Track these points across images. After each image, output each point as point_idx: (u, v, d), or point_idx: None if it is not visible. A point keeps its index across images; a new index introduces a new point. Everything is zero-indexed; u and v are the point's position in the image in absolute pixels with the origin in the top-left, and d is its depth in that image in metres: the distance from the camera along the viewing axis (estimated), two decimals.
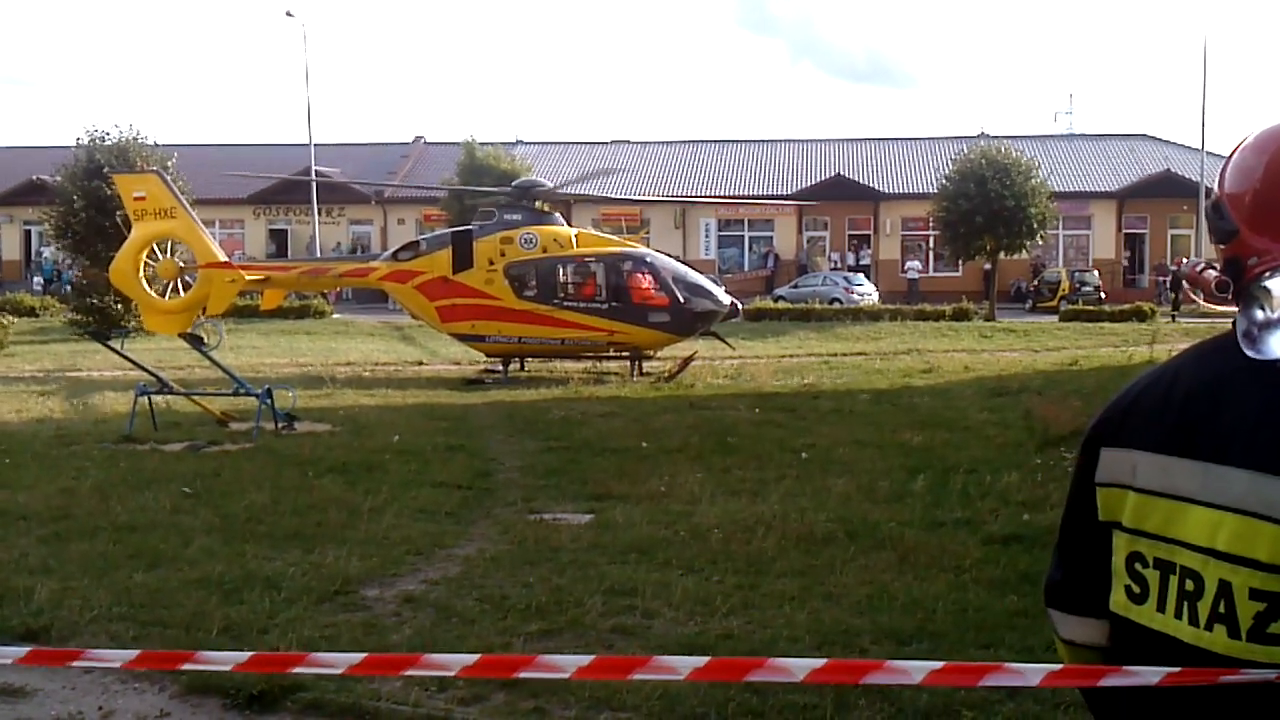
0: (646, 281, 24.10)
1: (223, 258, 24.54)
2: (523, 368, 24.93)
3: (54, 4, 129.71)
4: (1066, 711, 5.62)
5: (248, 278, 24.29)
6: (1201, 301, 2.13)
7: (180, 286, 23.66)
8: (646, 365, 24.54)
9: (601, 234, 28.00)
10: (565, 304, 23.92)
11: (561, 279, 24.26)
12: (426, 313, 24.62)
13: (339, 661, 2.49)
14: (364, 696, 5.98)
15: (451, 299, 23.86)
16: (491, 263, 23.82)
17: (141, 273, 23.09)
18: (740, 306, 26.74)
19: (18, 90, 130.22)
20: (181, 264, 23.68)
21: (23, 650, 2.69)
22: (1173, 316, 39.02)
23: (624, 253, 24.82)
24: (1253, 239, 2.01)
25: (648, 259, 24.88)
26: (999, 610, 7.27)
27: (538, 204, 25.15)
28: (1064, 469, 11.61)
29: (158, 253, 23.47)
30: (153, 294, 23.40)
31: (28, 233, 56.54)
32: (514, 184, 26.67)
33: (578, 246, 24.40)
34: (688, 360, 24.20)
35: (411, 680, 6.19)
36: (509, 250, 23.89)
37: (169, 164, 36.05)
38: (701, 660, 2.30)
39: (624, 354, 24.59)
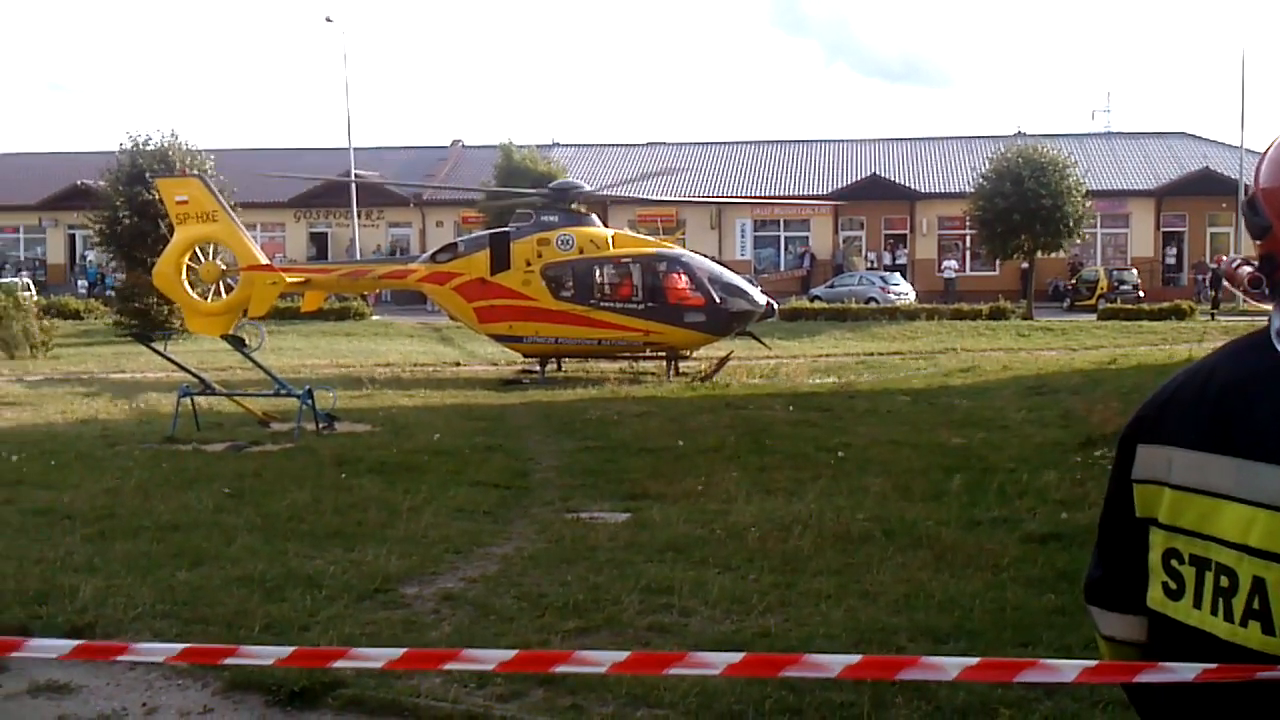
0: (682, 282, 24.15)
1: (264, 260, 24.79)
2: (560, 368, 25.02)
3: (94, 9, 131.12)
4: (1105, 710, 5.60)
5: (289, 280, 24.52)
6: (1241, 298, 2.15)
7: (222, 289, 23.93)
8: (682, 365, 24.58)
9: (638, 235, 28.05)
10: (602, 304, 24.00)
11: (598, 280, 24.34)
12: (464, 314, 24.76)
13: (379, 656, 2.53)
14: (403, 693, 6.03)
15: (489, 300, 24.00)
16: (529, 264, 23.94)
17: (184, 275, 23.37)
18: (776, 306, 26.74)
19: (60, 96, 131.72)
20: (224, 266, 23.94)
21: (68, 645, 2.75)
22: (1212, 314, 38.68)
23: (660, 253, 24.87)
24: None
25: (683, 259, 24.92)
26: (1036, 608, 7.24)
27: (574, 205, 25.23)
28: (1103, 468, 11.53)
29: (200, 256, 23.74)
30: (195, 296, 23.67)
31: (72, 237, 57.22)
32: (551, 185, 26.80)
33: (614, 247, 24.47)
34: (724, 360, 24.22)
35: (451, 677, 6.24)
36: (546, 251, 24.00)
37: (208, 166, 36.43)
38: (737, 656, 2.33)
39: (660, 354, 24.64)
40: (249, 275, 23.49)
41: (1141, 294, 44.80)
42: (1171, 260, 52.23)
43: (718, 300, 23.85)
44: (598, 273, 24.37)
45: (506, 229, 25.09)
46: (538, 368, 24.57)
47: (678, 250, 25.88)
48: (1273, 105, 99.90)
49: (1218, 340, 25.76)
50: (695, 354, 25.25)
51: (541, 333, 23.97)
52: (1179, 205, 51.47)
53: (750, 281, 27.54)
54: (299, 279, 25.02)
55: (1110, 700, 5.70)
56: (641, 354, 24.99)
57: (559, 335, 23.96)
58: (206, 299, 23.96)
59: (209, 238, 23.73)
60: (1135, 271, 47.67)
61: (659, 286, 24.11)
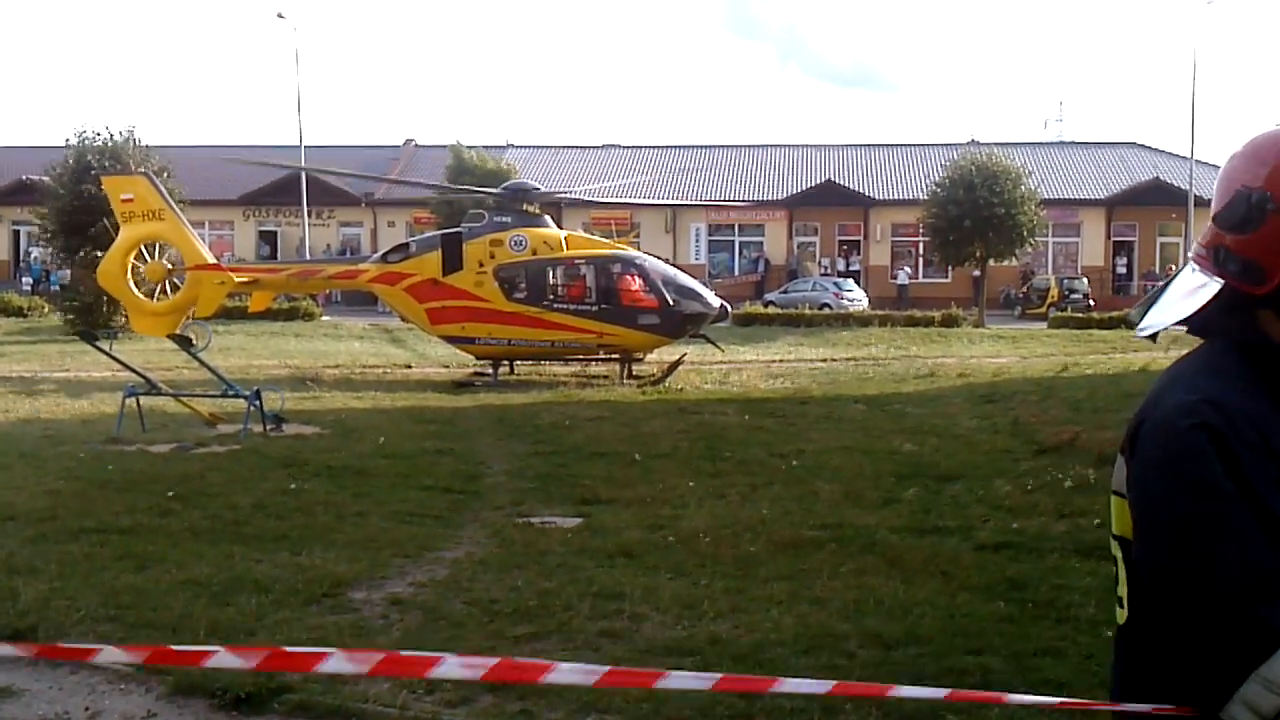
0: (636, 284, 24.13)
1: (211, 259, 24.51)
2: (512, 371, 24.92)
3: (45, 2, 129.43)
4: (1053, 717, 5.63)
5: (236, 279, 24.26)
6: None
7: (169, 288, 23.65)
8: (636, 369, 24.56)
9: (592, 237, 28.00)
10: (555, 306, 23.94)
11: (551, 281, 24.27)
12: (416, 315, 24.60)
13: (363, 660, 2.46)
14: (351, 699, 5.97)
15: (441, 301, 23.85)
16: (481, 265, 23.81)
17: (129, 275, 23.07)
18: (729, 309, 26.78)
19: (5, 89, 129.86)
20: (169, 266, 23.66)
21: (27, 650, 2.66)
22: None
23: (614, 255, 24.83)
24: None
25: (637, 261, 24.92)
26: (986, 616, 7.28)
27: (528, 207, 25.15)
28: (1054, 477, 11.64)
29: (146, 254, 23.45)
30: (140, 296, 23.37)
31: (16, 233, 56.40)
32: (504, 186, 26.68)
33: (567, 249, 24.41)
34: (676, 363, 24.23)
35: (399, 682, 6.19)
36: (499, 252, 23.89)
37: (167, 167, 35.96)
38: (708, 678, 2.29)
39: (614, 356, 24.61)
40: (196, 275, 23.22)
41: (1092, 303, 45.30)
42: (1122, 270, 52.84)
43: (671, 302, 23.86)
44: (551, 274, 24.29)
45: (459, 229, 24.95)
46: (490, 370, 24.46)
47: (632, 252, 25.86)
48: (1222, 117, 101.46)
49: (1180, 350, 26.02)
50: (648, 357, 25.22)
51: (494, 334, 23.86)
52: (1130, 215, 52.09)
53: (704, 284, 27.55)
54: (247, 279, 24.76)
55: (1059, 713, 5.72)
56: (595, 356, 24.93)
57: (512, 337, 23.86)
58: (152, 299, 23.67)
59: (155, 236, 23.44)
60: (1086, 280, 48.22)
61: (613, 288, 24.08)
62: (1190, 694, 1.97)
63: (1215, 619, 1.90)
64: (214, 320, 25.06)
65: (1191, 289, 2.12)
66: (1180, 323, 2.12)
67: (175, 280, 23.69)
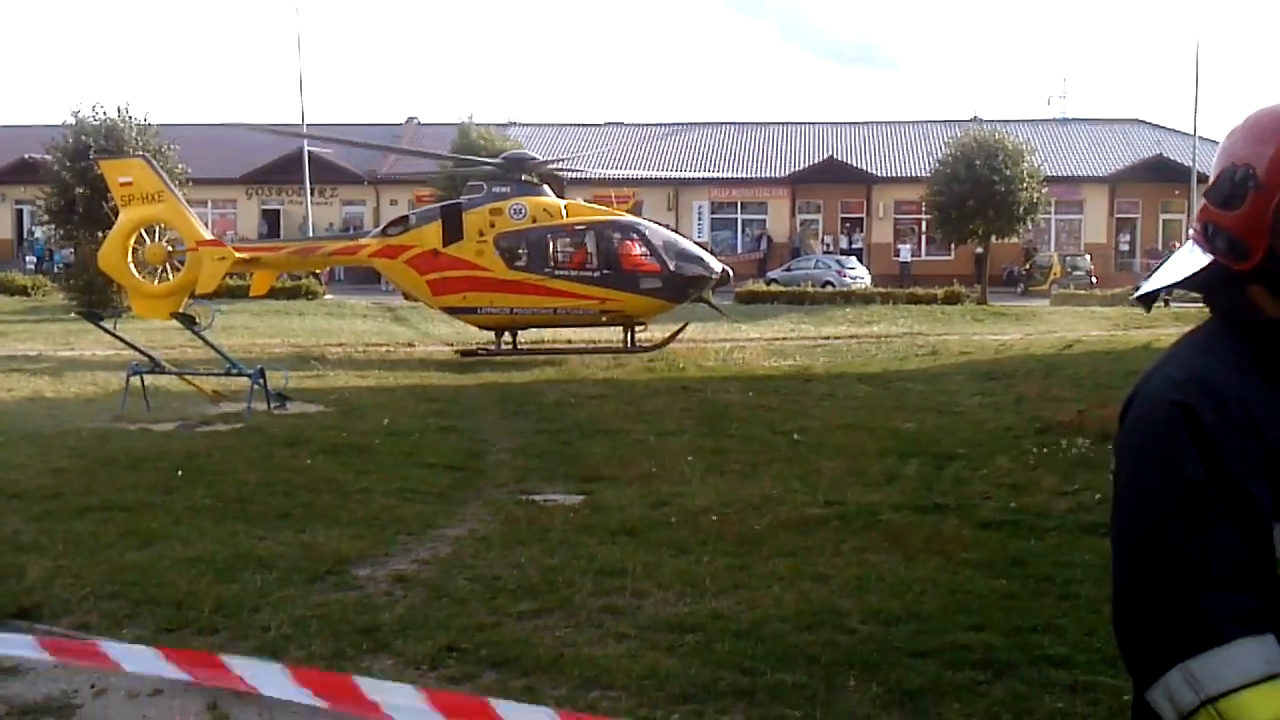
0: (637, 248, 24.01)
1: (209, 236, 24.46)
2: (514, 344, 24.84)
3: None
4: (1053, 693, 5.66)
5: (237, 255, 24.24)
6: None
7: (170, 270, 23.64)
8: (638, 336, 24.54)
9: (591, 205, 27.83)
10: (556, 273, 23.81)
11: (552, 248, 24.11)
12: (418, 287, 24.54)
13: (406, 698, 2.48)
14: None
15: (442, 272, 23.76)
16: (481, 234, 23.70)
17: (130, 258, 23.06)
18: (731, 273, 26.73)
19: (8, 67, 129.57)
20: (170, 248, 23.66)
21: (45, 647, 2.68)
22: (1166, 301, 39.03)
23: (613, 220, 24.71)
24: None
25: (638, 226, 24.81)
26: (988, 592, 7.31)
27: (527, 177, 25.01)
28: (1056, 454, 11.67)
29: (146, 237, 23.44)
30: (141, 279, 23.36)
31: (19, 212, 56.35)
32: (504, 156, 26.58)
33: (568, 217, 24.33)
34: (678, 330, 24.28)
35: (403, 659, 6.23)
36: (499, 221, 23.79)
37: (172, 146, 35.86)
38: None
39: (616, 323, 24.51)
40: (196, 254, 23.20)
41: (1094, 280, 45.21)
42: (1125, 247, 52.73)
43: (672, 266, 23.76)
44: (552, 241, 24.15)
45: (458, 200, 24.87)
46: (494, 344, 24.46)
47: (631, 218, 25.71)
48: (1226, 93, 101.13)
49: (1184, 327, 26.05)
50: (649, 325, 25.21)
51: (496, 303, 23.77)
52: (1132, 192, 51.94)
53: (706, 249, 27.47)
54: (247, 256, 24.75)
55: (1062, 684, 5.76)
56: (598, 323, 24.84)
57: (514, 305, 23.78)
58: (154, 281, 23.66)
59: (154, 219, 23.42)
60: (1089, 257, 48.11)
61: (614, 253, 23.96)
62: (1130, 668, 1.98)
63: (1161, 600, 1.89)
64: (217, 299, 25.05)
65: (1184, 262, 2.13)
66: (1180, 284, 2.13)
67: (176, 262, 23.66)
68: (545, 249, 24.04)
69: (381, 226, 25.79)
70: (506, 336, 24.59)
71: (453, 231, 23.71)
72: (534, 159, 26.48)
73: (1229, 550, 1.86)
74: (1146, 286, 2.21)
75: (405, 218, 25.35)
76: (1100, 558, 7.83)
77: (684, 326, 24.55)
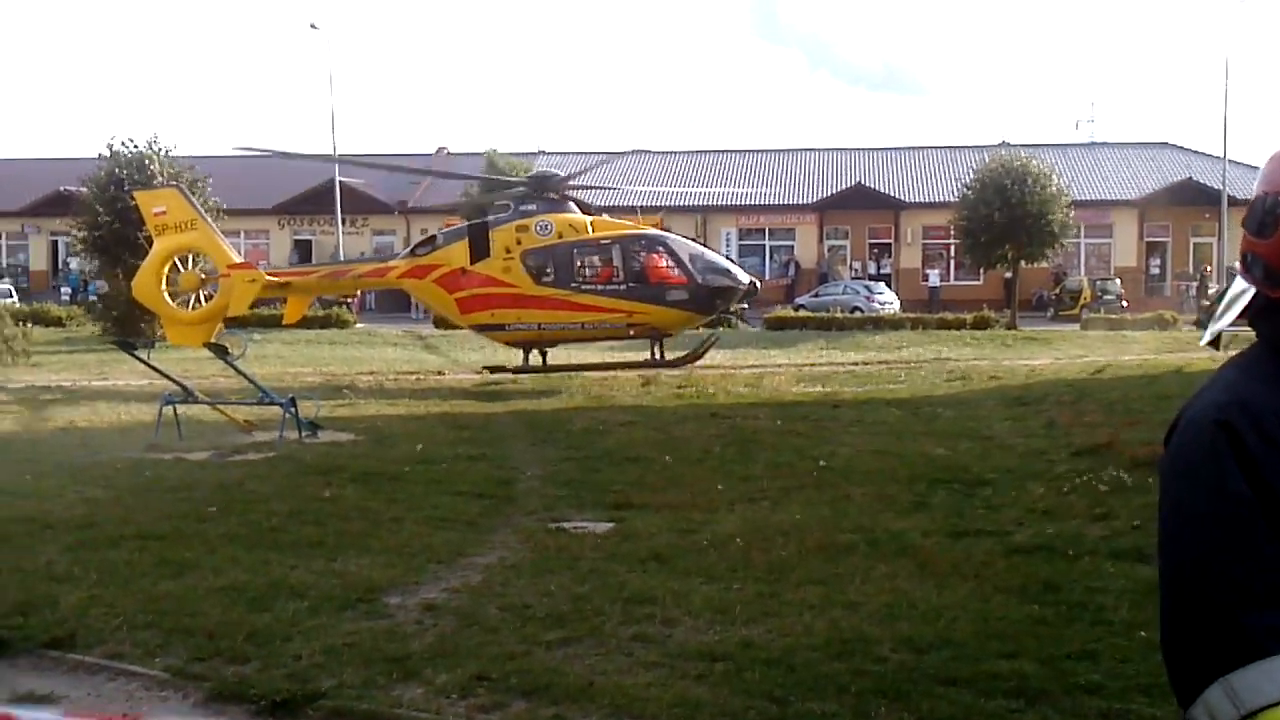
0: (664, 261, 23.94)
1: (239, 260, 24.66)
2: (545, 362, 24.85)
3: (77, 12, 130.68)
4: (1090, 717, 5.62)
5: (268, 278, 24.45)
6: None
7: (203, 299, 23.87)
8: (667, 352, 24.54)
9: (616, 220, 27.71)
10: (583, 288, 23.76)
11: (578, 263, 24.06)
12: (446, 306, 24.60)
13: None
14: (385, 704, 6.02)
15: (470, 289, 23.81)
16: (508, 251, 23.73)
17: (164, 287, 23.31)
18: (759, 284, 26.65)
19: (44, 100, 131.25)
20: (203, 276, 23.90)
21: None
22: (1199, 324, 38.73)
23: (639, 234, 24.67)
24: None
25: (664, 239, 24.71)
26: (1021, 619, 7.26)
27: (552, 194, 25.01)
28: (1088, 480, 11.59)
29: (180, 266, 23.69)
30: (175, 307, 23.60)
31: (54, 243, 56.99)
32: (529, 175, 26.64)
33: (594, 232, 24.35)
34: (709, 341, 24.28)
35: (433, 687, 6.24)
36: (525, 238, 23.82)
37: (205, 180, 36.21)
38: None
39: (645, 336, 24.48)
40: (227, 281, 23.42)
41: (1125, 304, 44.94)
42: (1155, 270, 52.44)
43: (700, 279, 23.67)
44: (578, 256, 24.09)
45: (485, 220, 24.96)
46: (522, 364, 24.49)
47: (657, 231, 25.66)
48: (1256, 116, 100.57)
49: (1194, 351, 25.94)
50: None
51: (524, 319, 23.75)
52: (1162, 215, 51.66)
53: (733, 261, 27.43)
54: (279, 281, 24.95)
55: (1096, 712, 5.71)
56: (625, 336, 24.80)
57: (541, 321, 23.76)
58: (188, 309, 23.91)
59: (188, 247, 23.68)
60: (1119, 281, 47.82)
61: (640, 267, 23.90)
62: (1175, 687, 1.97)
63: (1203, 618, 1.89)
64: (249, 329, 25.23)
65: (1236, 296, 2.15)
66: (1236, 325, 2.15)
67: (209, 290, 23.88)
68: (571, 264, 23.97)
69: (410, 248, 25.93)
70: (536, 359, 24.63)
71: (480, 249, 23.73)
72: (560, 176, 26.49)
73: (1272, 568, 1.87)
74: (1212, 329, 2.22)
75: (433, 238, 25.46)
76: (1134, 583, 7.77)
77: (713, 339, 24.52)
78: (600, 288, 23.86)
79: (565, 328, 24.00)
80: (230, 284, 23.36)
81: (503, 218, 24.41)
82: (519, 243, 23.83)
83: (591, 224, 24.58)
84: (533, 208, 24.33)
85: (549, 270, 23.91)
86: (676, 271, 23.82)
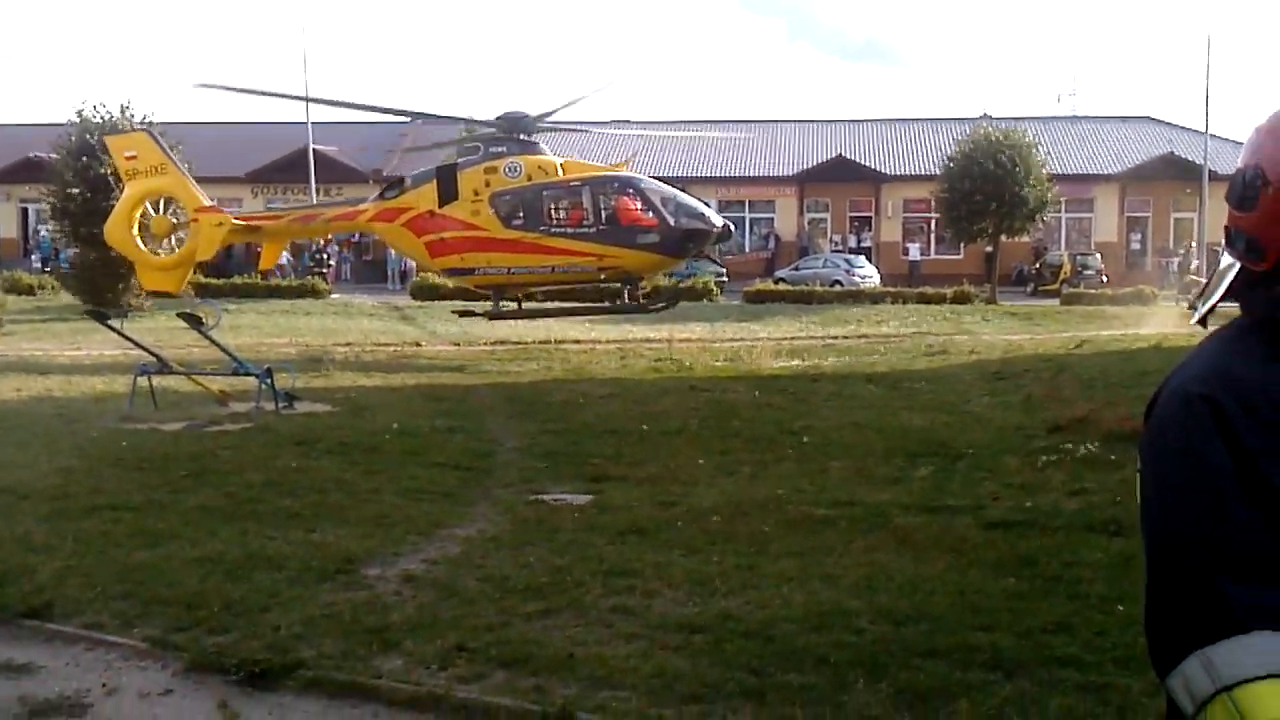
0: (634, 203, 23.48)
1: (209, 203, 24.46)
2: (520, 305, 24.71)
3: None
4: (1064, 693, 5.65)
5: (234, 222, 24.42)
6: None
7: (175, 244, 23.88)
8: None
9: (587, 162, 27.24)
10: (553, 231, 23.32)
11: (548, 206, 23.59)
12: (415, 249, 24.26)
13: None
14: (365, 675, 6.01)
15: (439, 233, 23.41)
16: (477, 193, 23.30)
17: (136, 231, 23.28)
18: (733, 228, 26.38)
19: (14, 65, 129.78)
20: (175, 221, 23.87)
21: None
22: (1187, 301, 38.86)
23: (610, 176, 24.23)
24: None
25: (635, 181, 24.24)
26: (997, 592, 7.29)
27: (523, 136, 24.63)
28: (1065, 454, 11.64)
29: (151, 210, 23.66)
30: (147, 251, 23.58)
31: (25, 211, 56.46)
32: (499, 115, 25.99)
33: (564, 174, 23.94)
34: (679, 288, 24.17)
35: (412, 658, 6.23)
36: (494, 180, 23.39)
37: (177, 146, 35.95)
38: None
39: (616, 280, 24.31)
40: (196, 224, 23.37)
41: (1105, 279, 45.06)
42: (1136, 245, 52.61)
43: (672, 221, 23.28)
44: (548, 199, 23.64)
45: (454, 162, 24.61)
46: (503, 303, 24.32)
47: (628, 173, 25.25)
48: (1237, 91, 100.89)
49: (1176, 326, 26.05)
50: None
51: (493, 263, 23.37)
52: (1143, 190, 51.78)
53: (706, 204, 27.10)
54: (248, 225, 24.90)
55: (1072, 684, 5.75)
56: (596, 280, 24.55)
57: (511, 264, 23.36)
58: (159, 255, 23.92)
59: (159, 191, 23.62)
60: (1099, 256, 47.91)
61: (611, 209, 23.44)
62: (1154, 661, 1.97)
63: (1183, 590, 1.89)
64: (224, 299, 25.10)
65: (1223, 272, 2.15)
66: (1225, 296, 2.15)
67: (181, 235, 23.86)
68: (541, 207, 23.46)
69: (379, 191, 25.58)
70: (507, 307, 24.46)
71: (448, 192, 23.26)
72: (530, 116, 25.90)
73: (1251, 538, 1.86)
74: (1202, 309, 2.22)
75: (401, 180, 25.07)
76: (1110, 557, 7.82)
77: (686, 287, 24.27)
78: (570, 231, 23.33)
79: (535, 271, 23.51)
80: (198, 227, 23.22)
81: (471, 160, 23.88)
82: (487, 185, 23.28)
83: (562, 166, 24.14)
84: (502, 149, 23.91)
85: (519, 213, 23.35)
86: (648, 214, 23.29)
